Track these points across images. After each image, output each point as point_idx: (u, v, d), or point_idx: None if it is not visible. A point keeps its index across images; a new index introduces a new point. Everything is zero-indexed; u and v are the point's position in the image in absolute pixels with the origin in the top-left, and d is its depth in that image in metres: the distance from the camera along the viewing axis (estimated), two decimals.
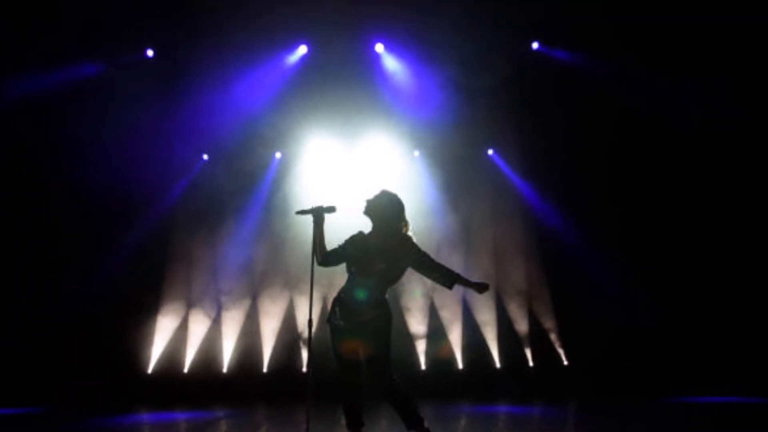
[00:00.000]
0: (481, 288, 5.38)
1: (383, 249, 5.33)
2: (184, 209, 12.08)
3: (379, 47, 11.64)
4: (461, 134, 11.65)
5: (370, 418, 6.29)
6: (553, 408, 9.31)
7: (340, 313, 5.37)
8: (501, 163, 12.44)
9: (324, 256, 5.41)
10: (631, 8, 10.56)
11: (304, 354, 11.91)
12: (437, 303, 12.18)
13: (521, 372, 11.99)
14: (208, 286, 12.28)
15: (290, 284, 12.24)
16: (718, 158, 11.11)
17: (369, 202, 5.49)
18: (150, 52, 11.32)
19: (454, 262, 11.40)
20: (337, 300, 5.41)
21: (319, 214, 5.46)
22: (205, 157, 12.39)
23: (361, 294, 5.30)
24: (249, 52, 11.06)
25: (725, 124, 11.01)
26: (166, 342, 11.92)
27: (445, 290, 5.55)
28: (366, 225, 5.48)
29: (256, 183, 12.40)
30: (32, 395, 10.76)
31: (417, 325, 12.14)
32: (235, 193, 12.28)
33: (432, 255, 5.48)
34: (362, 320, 5.27)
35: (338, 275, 5.51)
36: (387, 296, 5.38)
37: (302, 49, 11.65)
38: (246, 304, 12.27)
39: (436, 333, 12.25)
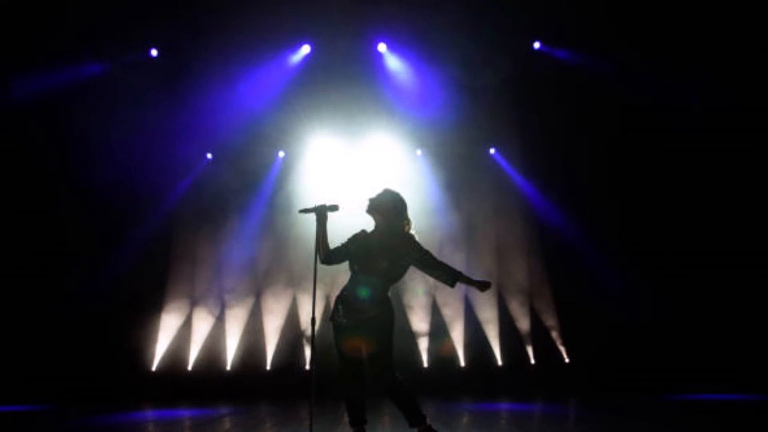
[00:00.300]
0: (482, 286, 5.40)
1: (386, 247, 5.36)
2: (188, 208, 12.14)
3: (382, 47, 11.67)
4: (463, 133, 11.69)
5: (373, 415, 6.34)
6: (555, 405, 9.34)
7: (343, 311, 5.40)
8: (503, 161, 12.48)
9: (327, 255, 5.43)
10: (632, 6, 10.60)
11: (307, 351, 11.95)
12: (439, 301, 12.22)
13: (523, 369, 12.03)
14: (212, 284, 12.34)
15: (293, 282, 12.31)
16: (721, 156, 11.14)
17: (372, 200, 5.52)
18: (154, 52, 11.38)
19: (456, 261, 11.48)
20: (340, 298, 5.45)
21: (322, 213, 5.48)
22: (209, 155, 12.45)
23: (363, 292, 5.33)
24: (252, 52, 11.10)
25: (727, 121, 11.04)
26: (170, 340, 11.97)
27: (447, 288, 5.58)
28: (369, 223, 5.52)
29: (259, 181, 12.48)
30: (37, 392, 10.82)
31: (419, 322, 12.19)
32: (239, 192, 12.33)
33: (434, 253, 5.51)
34: (365, 318, 5.30)
35: (341, 273, 5.55)
36: (389, 294, 5.42)
37: (305, 49, 11.68)
38: (249, 302, 12.32)
39: (439, 331, 12.30)
